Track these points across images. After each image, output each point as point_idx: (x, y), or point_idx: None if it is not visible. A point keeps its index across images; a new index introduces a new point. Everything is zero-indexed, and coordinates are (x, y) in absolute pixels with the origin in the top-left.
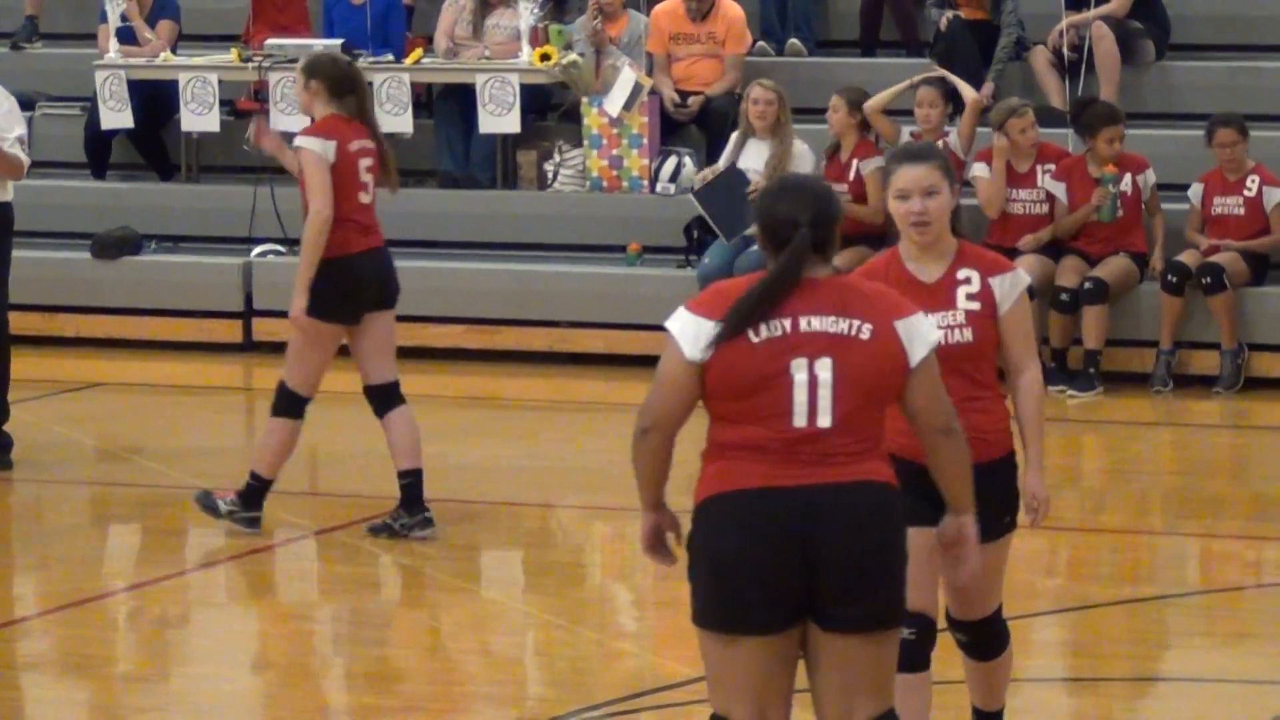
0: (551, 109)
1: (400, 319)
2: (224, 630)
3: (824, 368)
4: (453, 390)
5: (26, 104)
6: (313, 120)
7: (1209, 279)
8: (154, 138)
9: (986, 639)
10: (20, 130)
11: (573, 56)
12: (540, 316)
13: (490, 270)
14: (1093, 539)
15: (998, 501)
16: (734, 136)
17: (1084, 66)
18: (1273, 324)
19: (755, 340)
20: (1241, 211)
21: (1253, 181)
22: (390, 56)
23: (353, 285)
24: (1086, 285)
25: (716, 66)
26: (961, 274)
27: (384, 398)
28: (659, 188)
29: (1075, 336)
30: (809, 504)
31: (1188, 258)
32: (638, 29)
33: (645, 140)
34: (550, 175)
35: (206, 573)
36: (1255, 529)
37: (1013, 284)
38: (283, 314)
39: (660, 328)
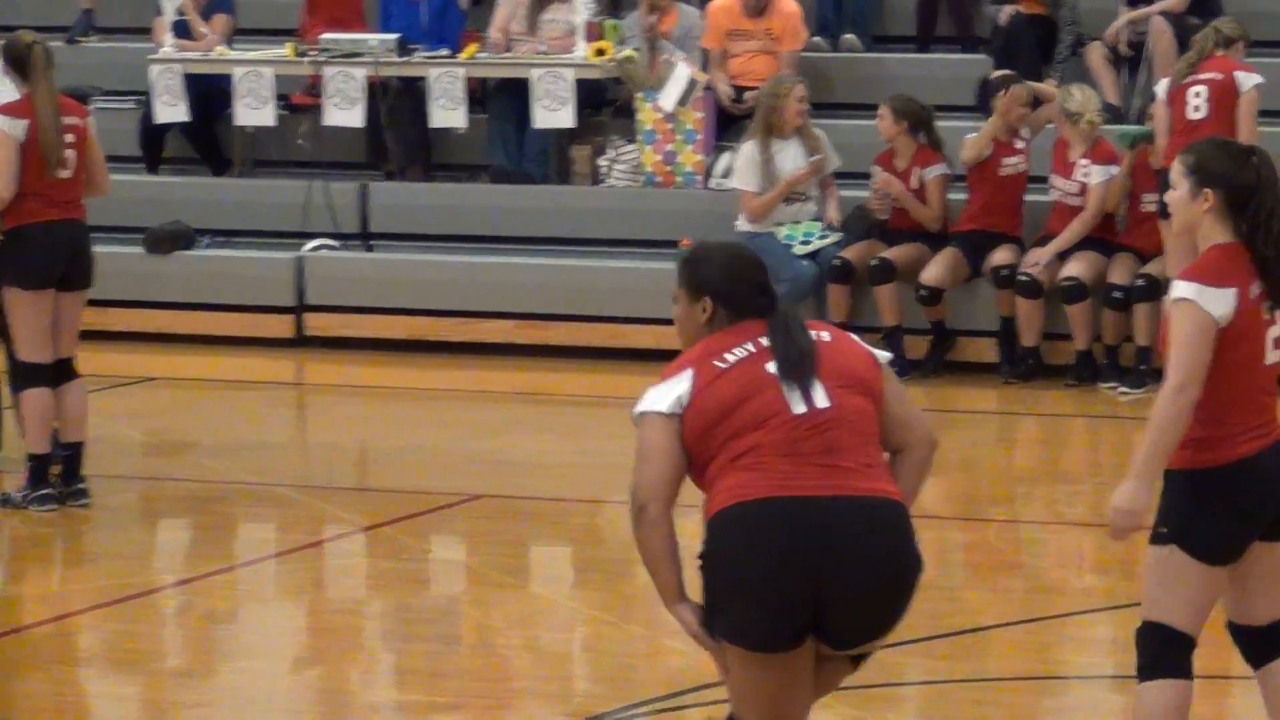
0: (606, 104)
1: (452, 314)
2: (273, 626)
3: (775, 384)
4: (504, 385)
5: (81, 97)
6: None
7: None
8: (208, 132)
9: None
10: None
11: (627, 52)
12: (593, 312)
13: (543, 265)
14: (1141, 537)
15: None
16: (752, 145)
17: (1141, 63)
18: None
19: (725, 365)
20: None
21: None
22: (446, 51)
23: (41, 253)
24: (1139, 282)
25: (772, 62)
26: None
27: (63, 371)
28: (713, 183)
29: (1127, 333)
30: (831, 520)
31: None
32: (690, 23)
33: (700, 136)
34: (604, 170)
35: (256, 568)
36: None
37: (1173, 291)
38: (335, 309)
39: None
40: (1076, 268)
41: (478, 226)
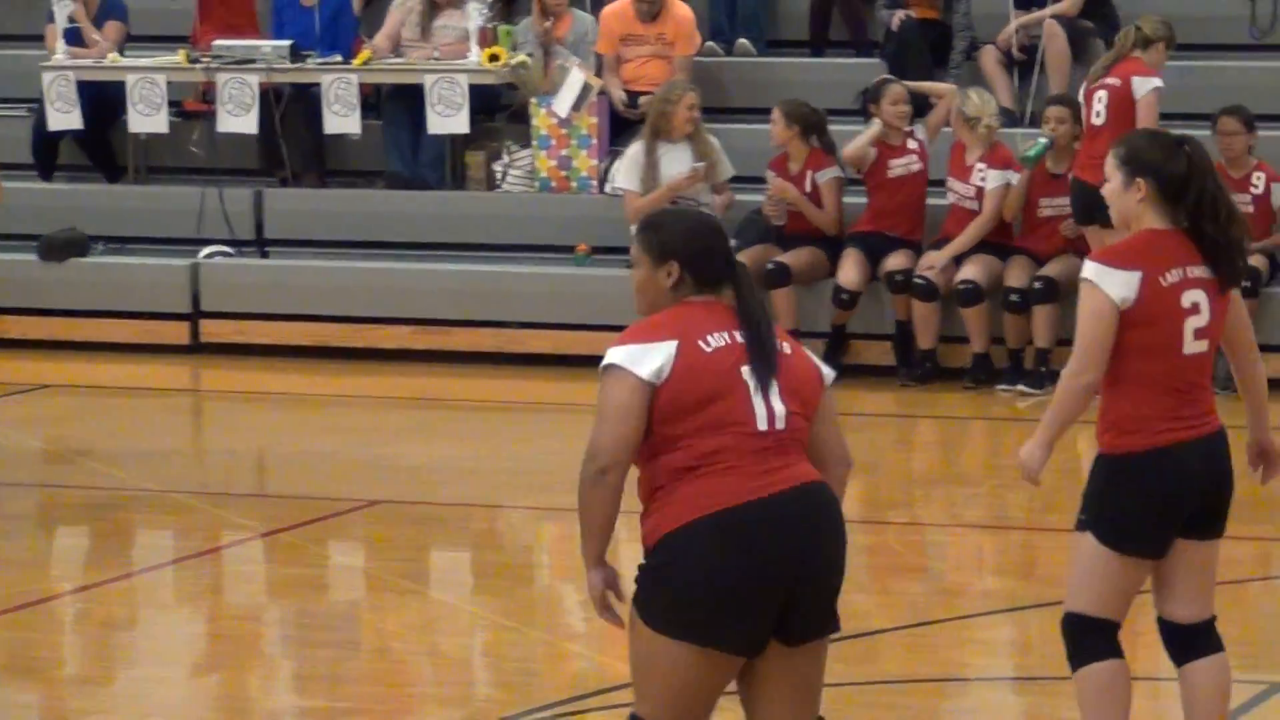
0: (500, 109)
1: (347, 320)
2: (172, 632)
3: (754, 374)
4: (401, 391)
5: None
6: None
7: (1249, 282)
8: (101, 139)
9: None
10: None
11: (521, 57)
12: (489, 317)
13: (438, 271)
14: (1040, 538)
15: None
16: (638, 146)
17: (1032, 66)
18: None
19: (708, 350)
20: (1251, 209)
21: (1259, 178)
22: (339, 57)
23: None
24: (1036, 285)
25: (666, 67)
26: None
27: None
28: (608, 188)
29: (1029, 336)
30: (793, 512)
31: None
32: (584, 28)
33: (594, 141)
34: (499, 176)
35: (154, 575)
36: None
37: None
38: (231, 315)
39: (611, 328)
40: (972, 271)
41: (373, 232)
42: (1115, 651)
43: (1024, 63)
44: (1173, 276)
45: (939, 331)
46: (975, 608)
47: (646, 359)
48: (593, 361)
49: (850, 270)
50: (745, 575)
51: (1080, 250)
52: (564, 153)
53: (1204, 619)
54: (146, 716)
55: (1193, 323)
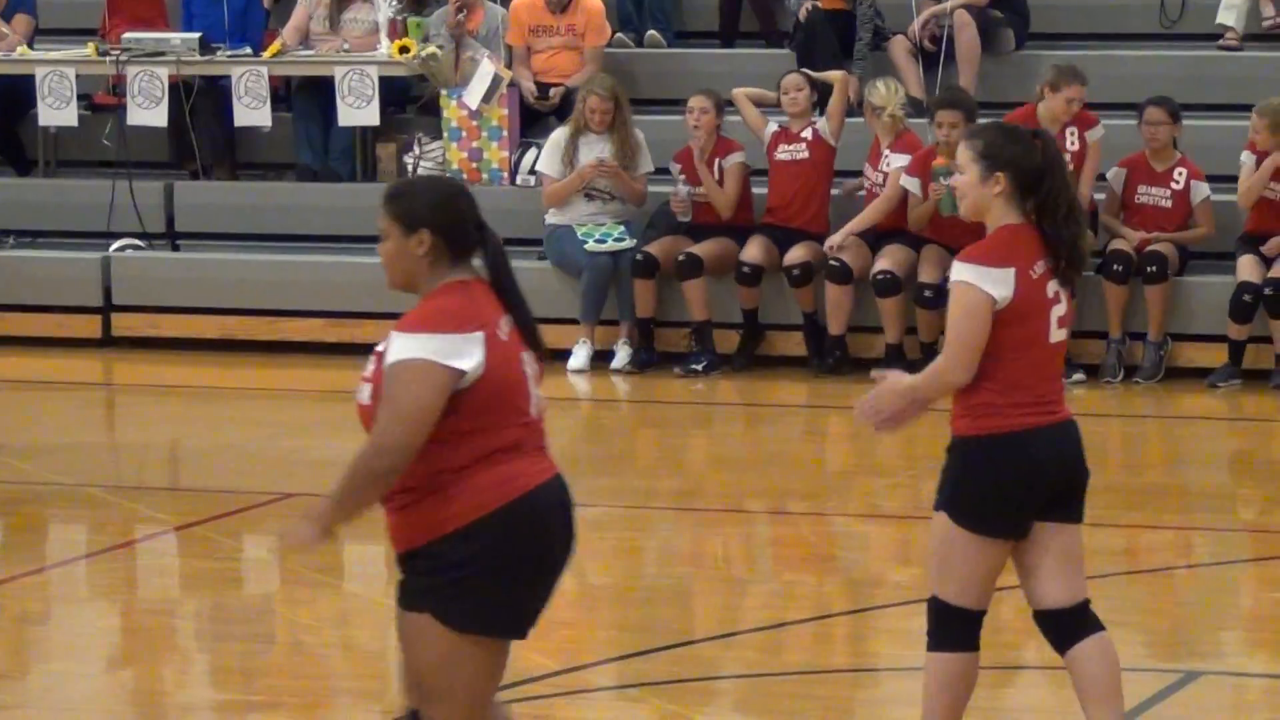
0: (410, 101)
1: (260, 313)
2: (86, 626)
3: (529, 360)
4: (312, 384)
5: None
6: None
7: (1154, 268)
8: (11, 132)
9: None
10: None
11: (431, 49)
12: (401, 309)
13: (350, 263)
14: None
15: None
16: (562, 132)
17: (944, 56)
18: (1194, 315)
19: (503, 339)
20: (1169, 204)
21: (1180, 174)
22: (249, 50)
23: None
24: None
25: (576, 58)
26: None
27: None
28: (519, 179)
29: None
30: (563, 495)
31: (1123, 246)
32: (495, 21)
33: (505, 132)
34: (410, 168)
35: (67, 569)
36: (1125, 517)
37: (953, 273)
38: (143, 309)
39: (539, 319)
40: (889, 261)
41: (285, 225)
42: (971, 644)
43: (933, 53)
44: (1038, 269)
45: (849, 320)
46: (892, 598)
47: (462, 353)
48: None
49: (753, 248)
50: (553, 553)
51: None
52: (475, 144)
53: (1077, 601)
54: (60, 711)
55: (1055, 312)
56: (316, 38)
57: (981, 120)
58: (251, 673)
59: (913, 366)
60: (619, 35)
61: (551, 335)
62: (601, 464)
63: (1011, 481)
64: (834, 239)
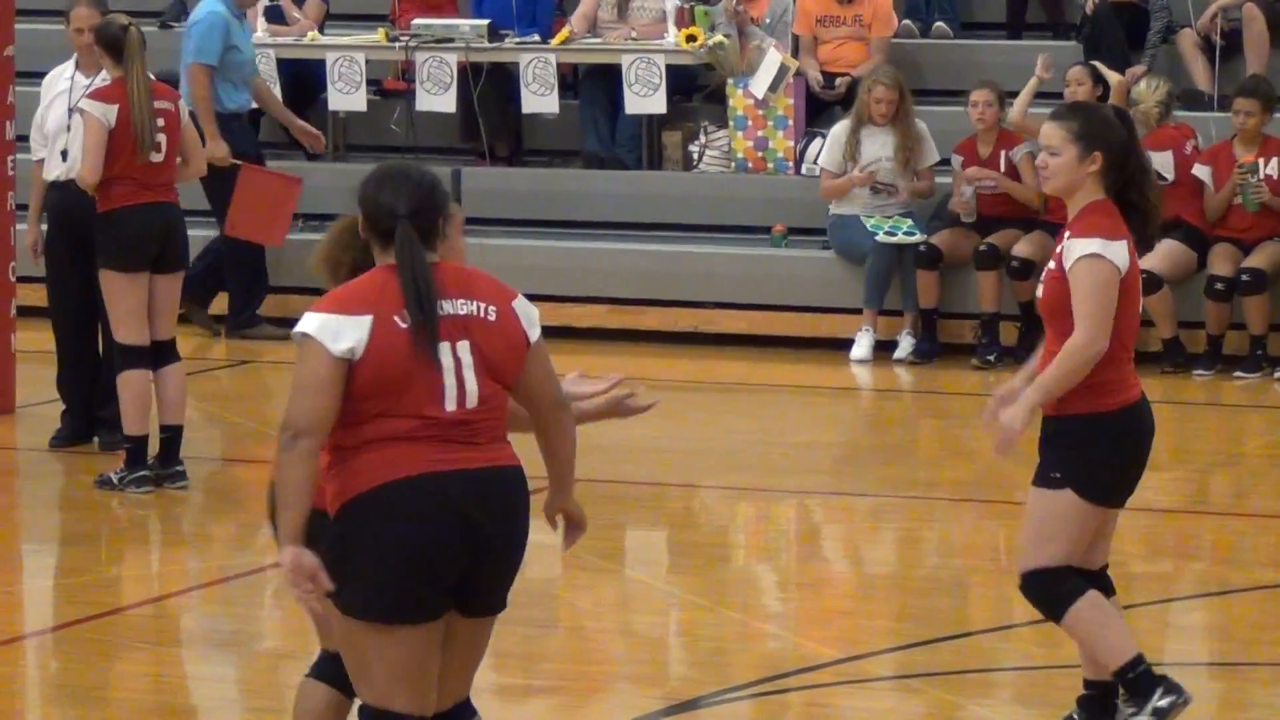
0: (697, 90)
1: (544, 298)
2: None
3: (464, 350)
4: (595, 370)
5: (174, 82)
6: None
7: None
8: (300, 117)
9: None
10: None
11: (718, 38)
12: (684, 297)
13: (634, 251)
14: (1241, 523)
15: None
16: (843, 126)
17: (1231, 49)
18: None
19: (402, 326)
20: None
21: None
22: (537, 36)
23: (134, 236)
24: (1244, 277)
25: (863, 49)
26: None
27: (162, 353)
28: (804, 169)
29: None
30: (475, 488)
31: None
32: (780, 9)
33: (791, 122)
34: (695, 156)
35: None
36: None
37: (1075, 250)
38: None
39: (807, 309)
40: (1152, 261)
41: (569, 211)
42: (1083, 589)
43: (1222, 46)
44: (1130, 242)
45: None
46: (1163, 593)
47: (341, 334)
48: (788, 343)
49: (1026, 243)
50: (413, 543)
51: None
52: (760, 133)
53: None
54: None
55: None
56: (604, 25)
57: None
58: (532, 657)
59: (1192, 362)
60: (905, 23)
61: (835, 325)
62: (883, 453)
63: (1136, 450)
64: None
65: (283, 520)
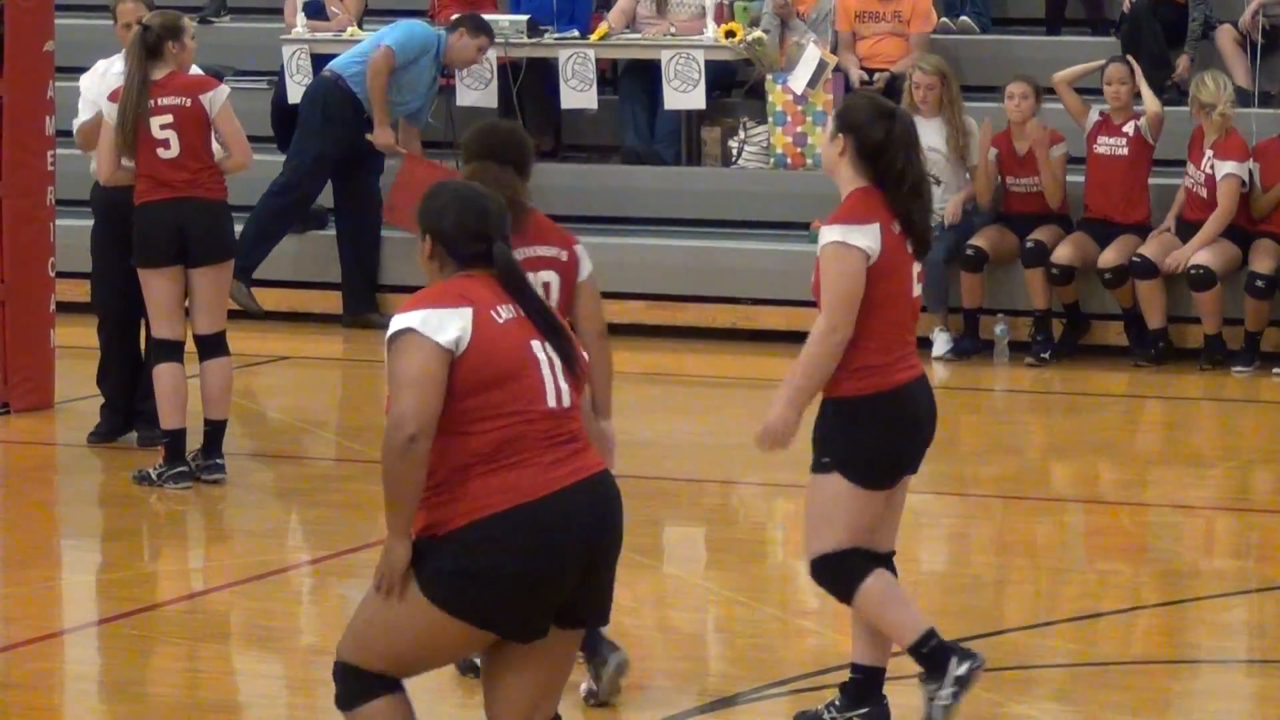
0: (736, 86)
1: None
2: None
3: (548, 346)
4: (634, 366)
5: (215, 77)
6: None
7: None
8: None
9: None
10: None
11: (757, 33)
12: (723, 293)
13: (673, 246)
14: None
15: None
16: None
17: (1270, 45)
18: None
19: (500, 322)
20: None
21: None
22: (576, 32)
23: (149, 232)
24: None
25: (902, 44)
26: None
27: (202, 347)
28: None
29: (1272, 318)
30: (590, 502)
31: None
32: (825, 5)
33: (830, 117)
34: (734, 152)
35: None
36: None
37: (821, 237)
38: None
39: None
40: (1205, 256)
41: (608, 207)
42: (869, 569)
43: (1263, 43)
44: (895, 227)
45: (1167, 311)
46: (1209, 589)
47: (444, 326)
48: None
49: (1066, 248)
50: (541, 569)
51: None
52: (800, 129)
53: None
54: None
55: (914, 268)
56: (643, 20)
57: None
58: None
59: (1234, 358)
60: (943, 20)
61: None
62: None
63: (897, 435)
64: (1178, 259)
65: (395, 516)
